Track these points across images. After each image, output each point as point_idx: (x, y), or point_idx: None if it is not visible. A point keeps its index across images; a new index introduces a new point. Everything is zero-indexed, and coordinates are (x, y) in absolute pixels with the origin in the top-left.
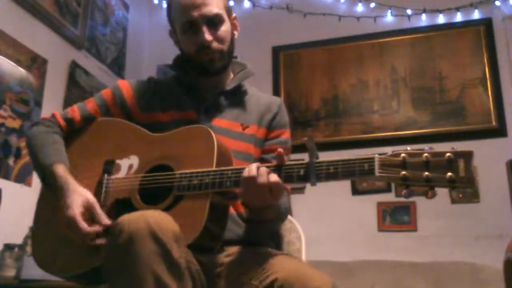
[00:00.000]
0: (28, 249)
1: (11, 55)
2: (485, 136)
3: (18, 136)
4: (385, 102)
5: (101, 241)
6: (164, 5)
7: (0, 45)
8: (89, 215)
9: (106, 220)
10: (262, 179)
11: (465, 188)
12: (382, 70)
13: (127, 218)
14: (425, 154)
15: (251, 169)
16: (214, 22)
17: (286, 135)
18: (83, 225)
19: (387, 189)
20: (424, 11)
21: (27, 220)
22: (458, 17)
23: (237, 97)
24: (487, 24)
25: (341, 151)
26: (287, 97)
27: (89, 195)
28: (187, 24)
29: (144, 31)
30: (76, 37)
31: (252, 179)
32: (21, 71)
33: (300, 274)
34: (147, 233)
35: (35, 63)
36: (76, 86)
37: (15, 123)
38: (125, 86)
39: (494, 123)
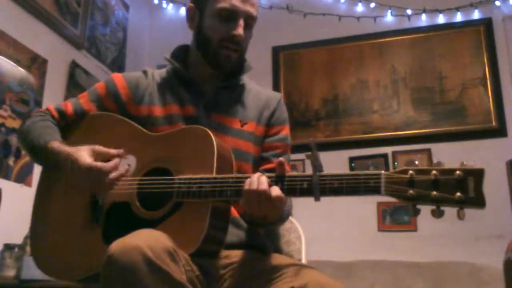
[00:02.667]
0: (28, 249)
1: (11, 55)
2: (485, 136)
3: None
4: (385, 102)
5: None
6: (164, 5)
7: (0, 45)
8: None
9: (113, 152)
10: (264, 192)
11: (474, 208)
12: (382, 70)
13: (119, 250)
14: (434, 172)
15: (253, 181)
16: (249, 24)
17: (285, 131)
18: (102, 164)
19: None
20: (424, 11)
21: (27, 220)
22: (458, 17)
23: (236, 92)
24: (487, 24)
25: (341, 151)
26: (287, 97)
27: (89, 146)
28: (226, 11)
29: (144, 31)
30: (76, 37)
31: (253, 192)
32: (21, 71)
33: (318, 284)
34: (144, 264)
35: (35, 63)
36: (76, 86)
37: (15, 123)
38: (119, 79)
39: (494, 123)
